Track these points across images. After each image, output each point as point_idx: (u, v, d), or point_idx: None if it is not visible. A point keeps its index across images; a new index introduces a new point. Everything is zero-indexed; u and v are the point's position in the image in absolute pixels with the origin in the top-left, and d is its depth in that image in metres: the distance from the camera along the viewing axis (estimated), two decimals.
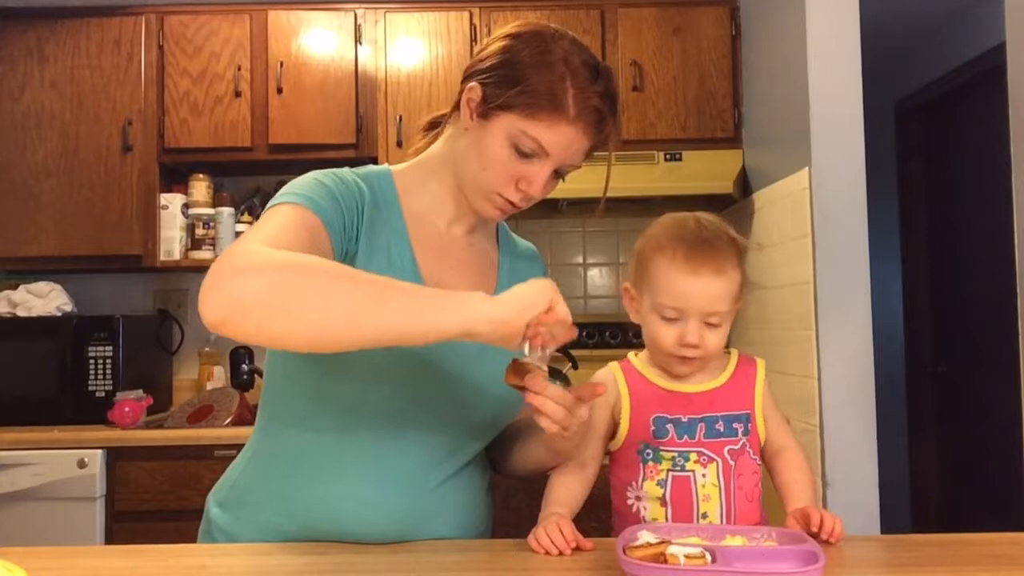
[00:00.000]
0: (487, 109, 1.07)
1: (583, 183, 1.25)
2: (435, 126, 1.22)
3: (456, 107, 1.14)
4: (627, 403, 1.16)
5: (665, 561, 0.90)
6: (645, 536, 0.95)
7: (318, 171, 1.11)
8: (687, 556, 0.89)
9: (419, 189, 1.17)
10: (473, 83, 1.09)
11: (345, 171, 1.13)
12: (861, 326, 2.19)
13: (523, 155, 1.06)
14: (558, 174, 1.11)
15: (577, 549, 1.05)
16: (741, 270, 1.14)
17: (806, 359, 2.24)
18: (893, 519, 2.63)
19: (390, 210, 1.14)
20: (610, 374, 1.20)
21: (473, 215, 1.17)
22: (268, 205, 1.04)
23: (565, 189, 1.17)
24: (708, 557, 0.90)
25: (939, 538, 1.15)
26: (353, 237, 1.08)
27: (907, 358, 3.80)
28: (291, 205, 1.01)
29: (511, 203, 1.11)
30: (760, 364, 1.21)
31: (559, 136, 1.05)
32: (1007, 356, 2.27)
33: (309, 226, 1.00)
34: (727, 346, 1.19)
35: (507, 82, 1.06)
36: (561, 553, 1.04)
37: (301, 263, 0.88)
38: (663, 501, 1.12)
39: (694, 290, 1.10)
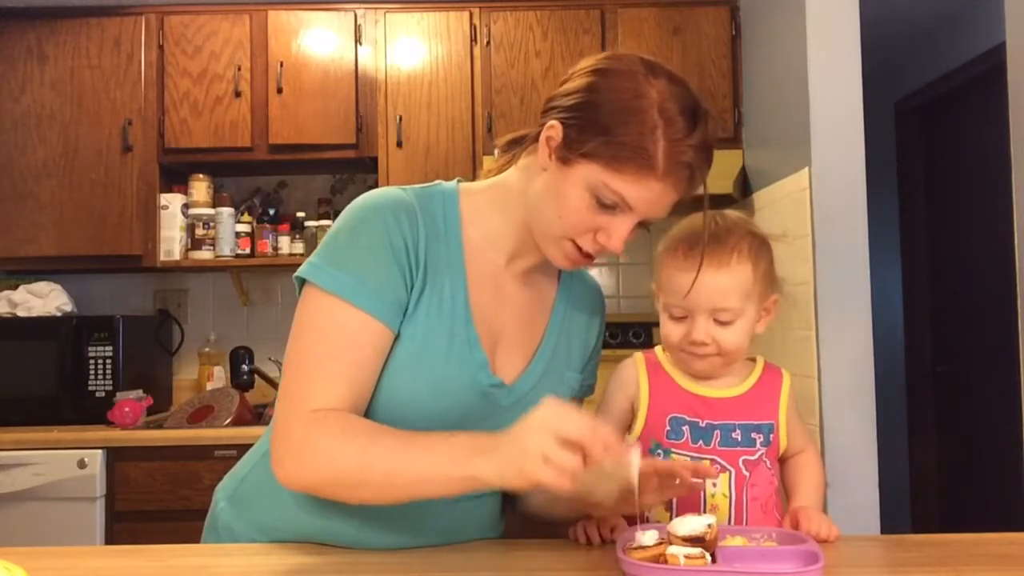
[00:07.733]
0: (568, 154, 0.97)
1: None
2: (515, 144, 1.11)
3: (535, 139, 1.03)
4: (646, 397, 1.14)
5: (665, 561, 0.90)
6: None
7: (371, 205, 1.03)
8: (687, 556, 0.89)
9: (484, 218, 1.09)
10: (554, 121, 0.99)
11: (408, 198, 1.04)
12: (861, 326, 2.19)
13: (604, 206, 0.97)
14: (642, 225, 1.01)
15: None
16: (755, 264, 1.09)
17: (806, 359, 2.23)
18: (893, 519, 2.63)
19: (450, 240, 1.06)
20: (633, 365, 1.17)
21: (535, 256, 1.09)
22: (314, 271, 0.99)
23: None
24: (708, 557, 0.90)
25: (939, 538, 1.15)
26: (412, 285, 1.02)
27: (907, 358, 3.79)
28: (341, 304, 0.98)
29: (584, 254, 1.02)
30: (786, 375, 1.19)
31: (646, 191, 0.96)
32: (1007, 356, 2.27)
33: (357, 346, 0.98)
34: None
35: (591, 128, 0.95)
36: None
37: (365, 459, 0.94)
38: (668, 506, 1.10)
39: (694, 286, 1.06)
